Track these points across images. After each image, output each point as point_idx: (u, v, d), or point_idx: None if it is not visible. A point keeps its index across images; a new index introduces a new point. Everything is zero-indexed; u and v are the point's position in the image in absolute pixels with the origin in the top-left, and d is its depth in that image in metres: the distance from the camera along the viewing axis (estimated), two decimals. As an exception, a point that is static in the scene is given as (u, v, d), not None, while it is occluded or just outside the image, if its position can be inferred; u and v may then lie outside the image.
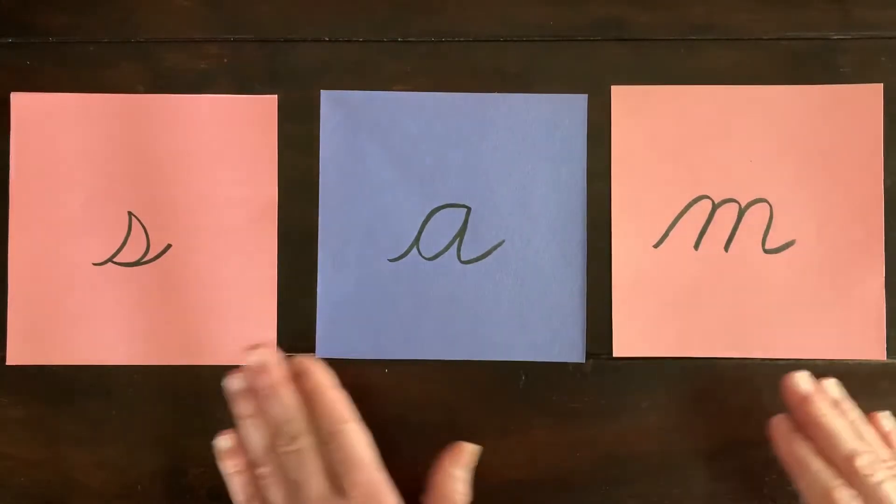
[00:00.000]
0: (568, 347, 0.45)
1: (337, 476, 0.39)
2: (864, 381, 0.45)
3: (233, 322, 0.45)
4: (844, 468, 0.38)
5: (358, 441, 0.40)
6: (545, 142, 0.45)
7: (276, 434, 0.40)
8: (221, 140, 0.45)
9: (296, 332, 0.45)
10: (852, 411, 0.41)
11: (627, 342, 0.45)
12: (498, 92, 0.45)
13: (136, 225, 0.45)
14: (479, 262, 0.45)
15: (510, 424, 0.45)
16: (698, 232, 0.45)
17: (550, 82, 0.46)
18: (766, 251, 0.45)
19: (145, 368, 0.45)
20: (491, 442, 0.45)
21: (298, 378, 0.42)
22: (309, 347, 0.45)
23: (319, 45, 0.46)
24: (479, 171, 0.46)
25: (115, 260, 0.45)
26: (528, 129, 0.46)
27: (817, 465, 0.39)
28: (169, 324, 0.45)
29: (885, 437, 0.41)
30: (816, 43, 0.46)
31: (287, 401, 0.40)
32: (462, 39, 0.46)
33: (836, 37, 0.45)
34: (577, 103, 0.45)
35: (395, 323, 0.45)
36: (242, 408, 0.41)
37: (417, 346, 0.45)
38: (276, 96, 0.45)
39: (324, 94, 0.45)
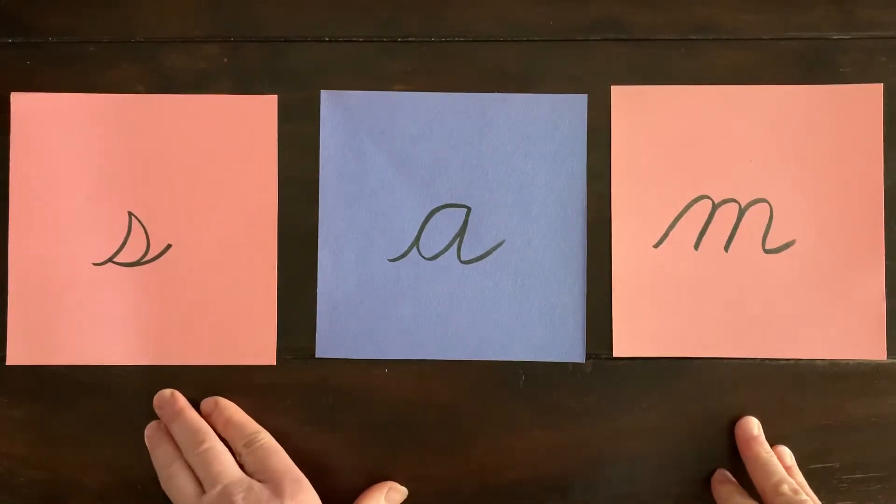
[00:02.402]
0: (568, 347, 0.45)
1: (254, 473, 0.41)
2: (864, 381, 0.45)
3: (233, 322, 0.45)
4: (772, 494, 0.42)
5: (271, 443, 0.43)
6: (545, 142, 0.45)
7: (184, 445, 0.42)
8: (221, 140, 0.45)
9: (296, 332, 0.45)
10: (799, 476, 0.44)
11: (627, 342, 0.45)
12: (498, 92, 0.45)
13: (136, 225, 0.45)
14: (479, 262, 0.45)
15: (510, 424, 0.45)
16: (698, 232, 0.45)
17: (550, 82, 0.46)
18: (766, 251, 0.45)
19: (145, 368, 0.45)
20: (491, 442, 0.45)
21: (210, 416, 0.44)
22: (309, 347, 0.45)
23: (319, 45, 0.46)
24: (479, 171, 0.46)
25: (115, 260, 0.45)
26: (528, 129, 0.46)
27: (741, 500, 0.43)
28: (169, 324, 0.45)
29: None
30: (816, 43, 0.46)
31: (192, 417, 0.43)
32: (462, 39, 0.46)
33: (836, 37, 0.45)
34: (577, 103, 0.45)
35: (395, 323, 0.45)
36: (154, 441, 0.44)
37: (417, 346, 0.45)
38: (275, 96, 0.45)
39: (324, 94, 0.45)
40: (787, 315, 0.45)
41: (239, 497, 0.39)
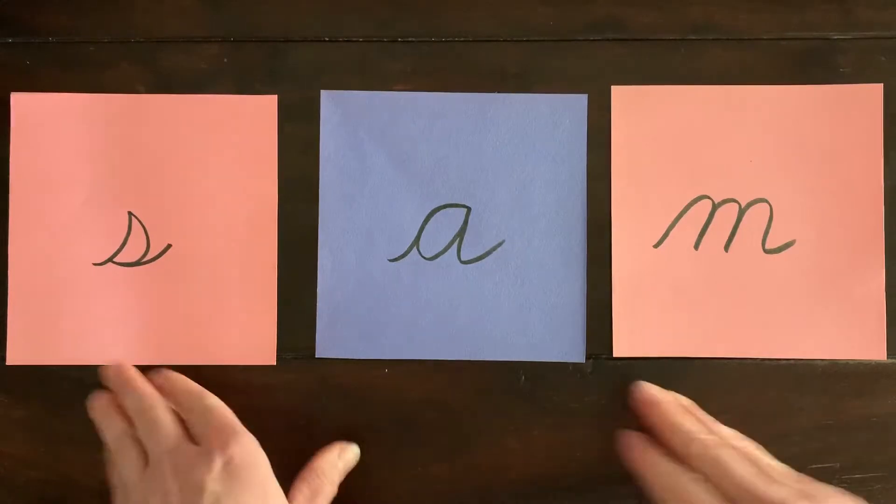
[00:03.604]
0: (568, 347, 0.45)
1: (197, 437, 0.40)
2: (864, 381, 0.45)
3: (233, 322, 0.45)
4: (685, 452, 0.40)
5: (217, 405, 0.41)
6: (545, 142, 0.45)
7: (133, 414, 0.41)
8: (222, 140, 0.45)
9: (296, 332, 0.45)
10: (700, 412, 0.43)
11: (627, 342, 0.45)
12: (498, 92, 0.45)
13: (136, 225, 0.45)
14: (480, 262, 0.45)
15: (510, 424, 0.45)
16: (698, 232, 0.45)
17: (550, 82, 0.46)
18: (766, 251, 0.45)
19: (145, 368, 0.45)
20: (491, 442, 0.45)
21: (161, 389, 0.43)
22: (309, 347, 0.45)
23: (319, 45, 0.46)
24: (479, 171, 0.46)
25: (115, 260, 0.45)
26: (528, 129, 0.46)
27: (666, 466, 0.40)
28: (169, 324, 0.45)
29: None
30: (816, 43, 0.46)
31: (143, 388, 0.42)
32: (462, 39, 0.46)
33: (836, 37, 0.45)
34: (577, 103, 0.45)
35: (395, 323, 0.45)
36: (101, 415, 0.43)
37: (417, 346, 0.45)
38: (276, 96, 0.45)
39: (324, 94, 0.45)
40: (787, 315, 0.45)
41: (169, 464, 0.38)
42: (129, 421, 0.42)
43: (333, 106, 0.45)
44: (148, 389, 0.43)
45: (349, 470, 0.44)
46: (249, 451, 0.39)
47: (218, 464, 0.38)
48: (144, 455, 0.40)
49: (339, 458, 0.44)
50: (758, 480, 0.37)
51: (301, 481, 0.42)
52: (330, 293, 0.45)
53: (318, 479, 0.42)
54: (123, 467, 0.41)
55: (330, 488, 0.42)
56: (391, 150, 0.46)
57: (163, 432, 0.40)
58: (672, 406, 0.43)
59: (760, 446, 0.41)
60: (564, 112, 0.45)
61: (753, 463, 0.39)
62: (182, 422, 0.42)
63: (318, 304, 0.45)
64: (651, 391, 0.44)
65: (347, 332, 0.45)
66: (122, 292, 0.45)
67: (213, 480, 0.37)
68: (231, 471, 0.38)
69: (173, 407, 0.42)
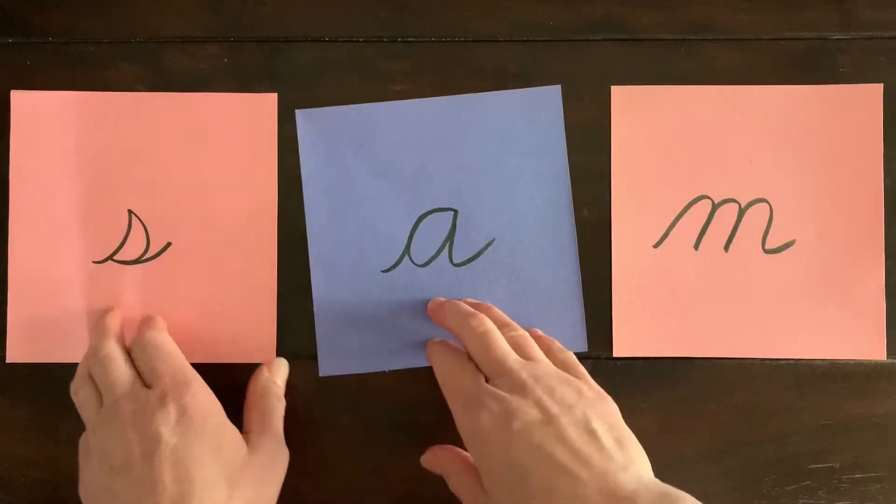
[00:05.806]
0: (569, 339, 0.45)
1: (144, 374, 0.40)
2: (864, 381, 0.45)
3: (233, 320, 0.45)
4: (459, 333, 0.41)
5: (163, 339, 0.42)
6: (524, 137, 0.45)
7: (90, 355, 0.41)
8: (222, 138, 0.45)
9: (296, 333, 0.45)
10: (494, 311, 0.43)
11: (627, 342, 0.45)
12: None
13: (135, 223, 0.45)
14: (472, 263, 0.45)
15: (510, 424, 0.45)
16: (698, 232, 0.45)
17: (550, 82, 0.46)
18: (766, 251, 0.45)
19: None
20: (491, 442, 0.45)
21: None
22: (309, 347, 0.45)
23: (319, 45, 0.46)
24: (463, 173, 0.45)
25: (115, 258, 0.45)
26: (505, 126, 0.45)
27: (448, 352, 0.42)
28: (169, 321, 0.45)
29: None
30: (816, 43, 0.46)
31: (99, 329, 0.42)
32: (462, 39, 0.46)
33: (836, 37, 0.45)
34: (550, 95, 0.45)
35: (394, 333, 0.45)
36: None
37: (418, 353, 0.45)
38: (275, 94, 0.45)
39: (298, 113, 0.45)
40: (787, 315, 0.45)
41: (126, 410, 0.38)
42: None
43: (309, 124, 0.45)
44: (104, 330, 0.42)
45: (286, 380, 0.44)
46: (202, 400, 0.39)
47: (173, 415, 0.38)
48: (98, 395, 0.40)
49: (272, 373, 0.44)
50: (508, 356, 0.39)
51: (248, 409, 0.42)
52: (326, 310, 0.45)
53: (263, 399, 0.42)
54: (81, 408, 0.41)
55: (278, 403, 0.43)
56: (372, 161, 0.45)
57: (116, 372, 0.40)
58: (453, 302, 0.43)
59: (547, 339, 0.43)
60: (539, 105, 0.45)
61: (521, 347, 0.41)
62: (132, 358, 0.42)
63: (316, 323, 0.45)
64: (434, 302, 0.44)
65: (348, 348, 0.45)
66: (122, 290, 0.45)
67: (169, 432, 0.37)
68: (185, 422, 0.38)
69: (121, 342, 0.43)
